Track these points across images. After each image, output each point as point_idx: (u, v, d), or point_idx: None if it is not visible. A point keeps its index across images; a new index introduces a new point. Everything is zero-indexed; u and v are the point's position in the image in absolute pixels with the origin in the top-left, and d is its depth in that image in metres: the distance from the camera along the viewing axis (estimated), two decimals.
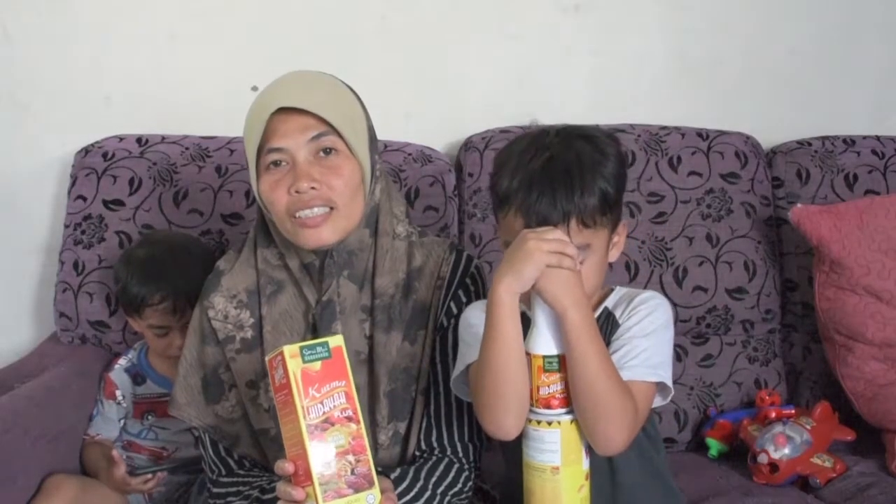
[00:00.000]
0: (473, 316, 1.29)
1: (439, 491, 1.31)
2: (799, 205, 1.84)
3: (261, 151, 1.29)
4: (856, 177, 1.96)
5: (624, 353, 1.22)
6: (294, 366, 1.09)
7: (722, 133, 1.98)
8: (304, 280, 1.36)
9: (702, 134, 1.97)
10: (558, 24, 2.06)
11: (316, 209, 1.28)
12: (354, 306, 1.35)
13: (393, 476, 1.28)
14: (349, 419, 1.10)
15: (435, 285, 1.38)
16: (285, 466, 1.12)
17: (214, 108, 1.98)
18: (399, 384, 1.35)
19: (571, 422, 1.18)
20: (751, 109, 2.10)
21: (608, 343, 1.24)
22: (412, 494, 1.28)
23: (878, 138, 2.03)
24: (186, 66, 2.00)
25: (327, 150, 1.29)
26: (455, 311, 1.37)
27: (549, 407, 1.18)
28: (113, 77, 1.98)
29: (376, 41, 2.02)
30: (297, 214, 1.29)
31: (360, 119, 1.35)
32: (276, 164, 1.30)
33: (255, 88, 1.96)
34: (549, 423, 1.18)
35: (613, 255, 1.30)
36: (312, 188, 1.27)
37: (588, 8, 2.06)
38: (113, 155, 1.86)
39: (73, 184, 1.87)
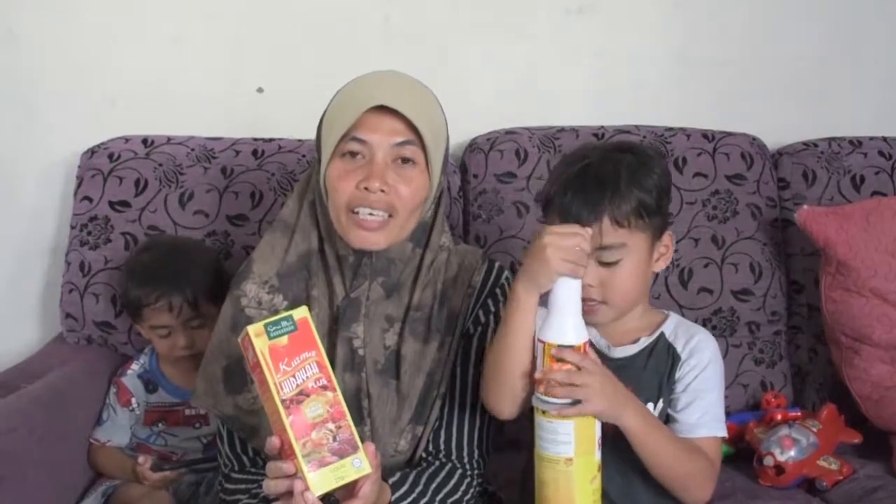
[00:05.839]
0: None
1: (438, 498, 1.31)
2: (805, 206, 1.83)
3: (342, 138, 1.28)
4: (862, 178, 1.96)
5: (695, 409, 1.28)
6: (260, 344, 1.10)
7: (727, 134, 1.97)
8: (335, 270, 1.35)
9: (707, 135, 1.96)
10: (562, 25, 2.06)
11: (377, 212, 1.28)
12: (379, 315, 1.35)
13: (391, 480, 1.27)
14: (324, 388, 1.11)
15: (466, 293, 1.38)
16: (272, 441, 1.12)
17: (220, 110, 1.98)
18: (423, 389, 1.35)
19: None
20: (756, 110, 2.10)
21: (672, 378, 1.29)
22: (410, 500, 1.28)
23: (884, 139, 2.02)
24: (192, 68, 2.00)
25: (406, 160, 1.29)
26: (483, 319, 1.38)
27: None
28: (119, 78, 1.98)
29: (380, 42, 2.01)
30: (357, 210, 1.28)
31: (443, 139, 1.35)
32: (353, 154, 1.29)
33: (260, 90, 1.98)
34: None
35: (660, 265, 1.33)
36: (382, 190, 1.27)
37: (592, 9, 2.06)
38: (119, 156, 1.86)
39: (79, 185, 1.87)
